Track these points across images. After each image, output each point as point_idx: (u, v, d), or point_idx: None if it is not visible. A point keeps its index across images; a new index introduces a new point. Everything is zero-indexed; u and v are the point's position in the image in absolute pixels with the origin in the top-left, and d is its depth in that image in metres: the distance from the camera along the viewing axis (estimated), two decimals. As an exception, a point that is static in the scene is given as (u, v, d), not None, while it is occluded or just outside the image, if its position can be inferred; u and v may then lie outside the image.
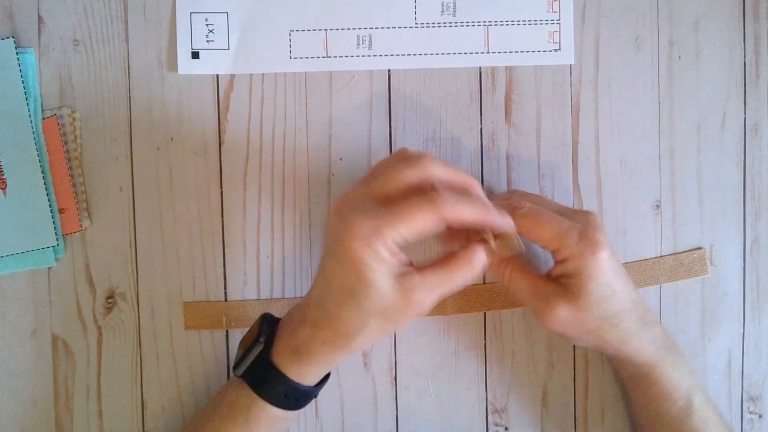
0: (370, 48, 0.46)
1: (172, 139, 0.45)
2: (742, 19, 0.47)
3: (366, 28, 0.46)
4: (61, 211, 0.45)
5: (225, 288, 0.46)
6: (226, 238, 0.46)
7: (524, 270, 0.41)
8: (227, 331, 0.46)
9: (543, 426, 0.47)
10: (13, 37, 0.44)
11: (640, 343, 0.40)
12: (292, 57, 0.45)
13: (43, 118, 0.45)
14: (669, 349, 0.42)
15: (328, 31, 0.45)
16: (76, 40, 0.45)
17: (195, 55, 0.45)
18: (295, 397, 0.39)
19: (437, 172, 0.36)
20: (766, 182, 0.48)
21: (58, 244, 0.45)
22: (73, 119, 0.45)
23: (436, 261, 0.37)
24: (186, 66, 0.45)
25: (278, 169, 0.46)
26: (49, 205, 0.44)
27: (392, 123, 0.46)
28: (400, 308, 0.35)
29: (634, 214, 0.47)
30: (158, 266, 0.45)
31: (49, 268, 0.45)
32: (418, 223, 0.34)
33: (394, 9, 0.46)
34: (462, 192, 0.36)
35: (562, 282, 0.39)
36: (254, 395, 0.38)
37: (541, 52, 0.46)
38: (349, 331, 0.36)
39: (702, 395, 0.42)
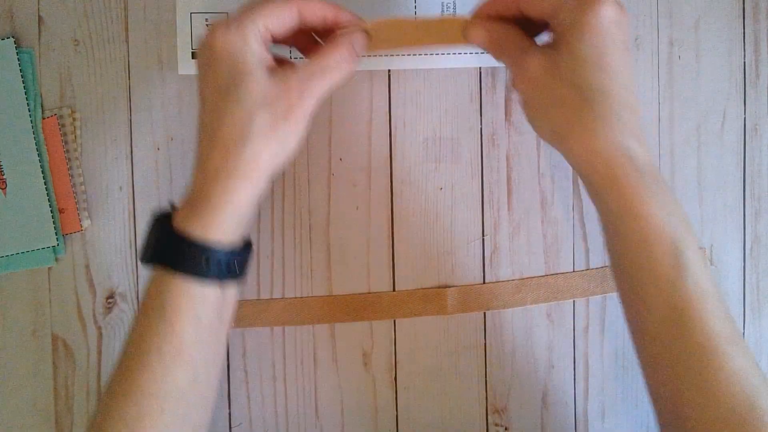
0: None
1: (172, 139, 0.45)
2: (742, 19, 0.47)
3: None
4: (61, 211, 0.45)
5: (225, 288, 0.46)
6: (226, 238, 0.46)
7: (508, 27, 0.37)
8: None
9: (543, 426, 0.47)
10: (13, 37, 0.44)
11: (610, 148, 0.33)
12: (292, 57, 0.45)
13: (44, 118, 0.45)
14: (655, 178, 0.34)
15: None
16: (76, 40, 0.45)
17: (195, 55, 0.45)
18: (205, 258, 0.34)
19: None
20: (766, 182, 0.48)
21: (58, 244, 0.45)
22: (73, 119, 0.45)
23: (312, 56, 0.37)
24: (186, 66, 0.45)
25: (278, 169, 0.46)
26: (49, 205, 0.44)
27: (392, 123, 0.46)
28: (280, 97, 0.34)
29: (634, 214, 0.47)
30: (158, 266, 0.46)
31: (49, 268, 0.45)
32: (277, 13, 0.35)
33: (394, 9, 0.46)
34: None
35: (552, 42, 0.36)
36: (164, 274, 0.34)
37: None
38: (237, 136, 0.33)
39: (696, 249, 0.34)
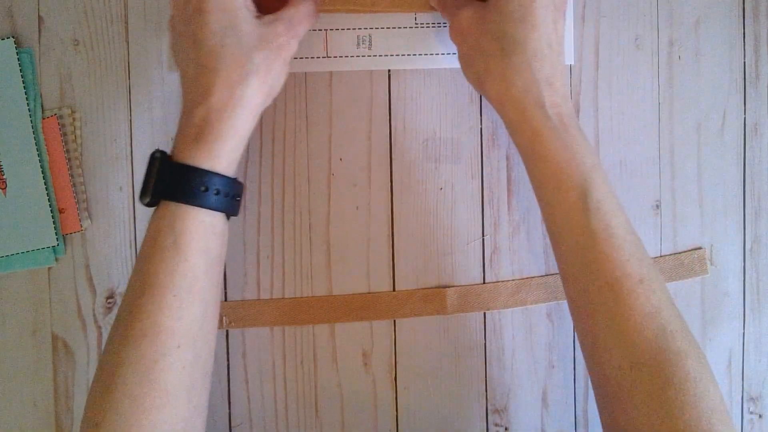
0: (370, 48, 0.46)
1: (172, 139, 0.45)
2: (742, 19, 0.47)
3: (366, 29, 0.46)
4: (61, 211, 0.45)
5: (225, 288, 0.46)
6: (226, 238, 0.46)
7: None
8: (227, 331, 0.46)
9: (543, 426, 0.47)
10: (13, 37, 0.44)
11: (520, 94, 0.36)
12: (294, 57, 0.45)
13: (44, 118, 0.45)
14: (564, 123, 0.36)
15: (329, 31, 0.45)
16: (76, 40, 0.45)
17: None
18: (216, 190, 0.36)
19: None
20: (766, 182, 0.48)
21: (58, 244, 0.45)
22: (73, 119, 0.45)
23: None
24: None
25: (278, 169, 0.46)
26: (49, 205, 0.44)
27: (392, 123, 0.46)
28: (271, 40, 0.37)
29: (634, 214, 0.47)
30: (158, 266, 0.45)
31: (49, 268, 0.45)
32: None
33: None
34: None
35: None
36: (174, 207, 0.35)
37: None
38: (239, 73, 0.36)
39: (605, 190, 0.36)
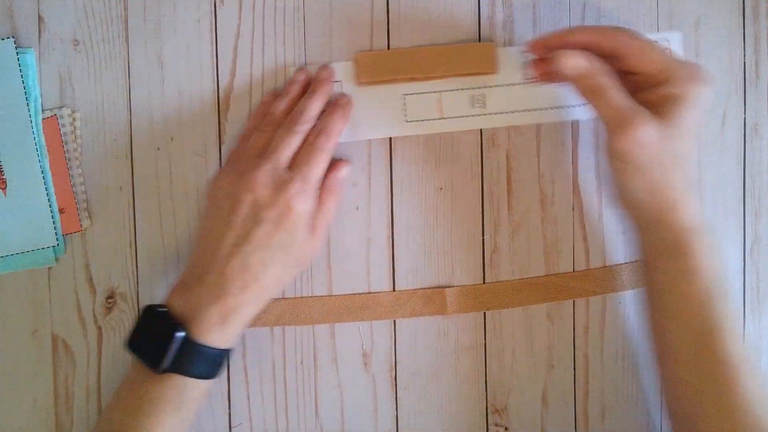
0: (484, 107, 0.46)
1: (172, 139, 0.45)
2: (742, 19, 0.47)
3: (480, 88, 0.46)
4: (61, 211, 0.45)
5: (225, 288, 0.46)
6: (226, 238, 0.46)
7: (614, 83, 0.39)
8: (227, 331, 0.46)
9: (543, 426, 0.47)
10: (13, 37, 0.44)
11: (690, 202, 0.39)
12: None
13: (44, 118, 0.45)
14: (706, 225, 0.40)
15: (443, 93, 0.46)
16: (76, 40, 0.45)
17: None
18: (221, 363, 0.40)
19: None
20: (766, 182, 0.48)
21: (58, 244, 0.45)
22: (73, 119, 0.45)
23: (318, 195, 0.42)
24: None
25: (278, 169, 0.46)
26: (49, 205, 0.44)
27: (392, 123, 0.46)
28: (308, 255, 0.43)
29: (634, 214, 0.47)
30: (158, 266, 0.45)
31: (49, 268, 0.45)
32: (327, 161, 0.42)
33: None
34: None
35: (654, 105, 0.38)
36: (184, 379, 0.38)
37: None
38: (275, 285, 0.41)
39: (725, 277, 0.40)
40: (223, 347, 0.40)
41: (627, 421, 0.47)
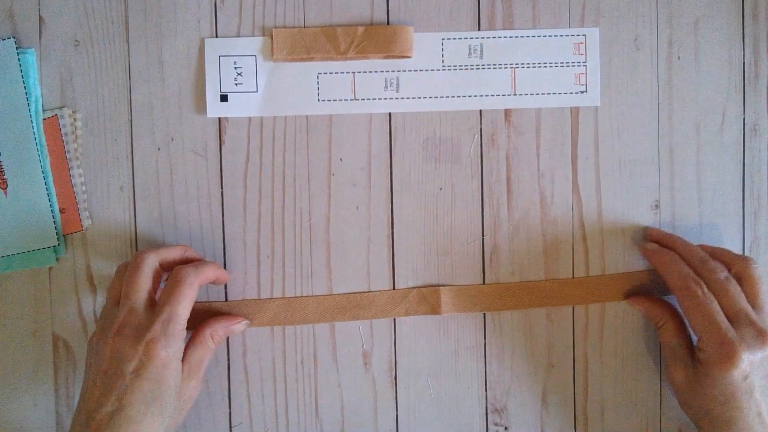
0: (397, 90, 0.46)
1: (172, 139, 0.45)
2: (741, 19, 0.47)
3: (394, 71, 0.46)
4: (61, 210, 0.45)
5: (225, 288, 0.46)
6: (226, 238, 0.46)
7: (678, 329, 0.44)
8: (227, 330, 0.46)
9: (543, 426, 0.47)
10: (14, 37, 0.44)
11: None
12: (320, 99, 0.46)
13: (44, 118, 0.45)
14: None
15: (356, 74, 0.46)
16: (76, 40, 0.45)
17: (224, 98, 0.45)
18: None
19: (153, 257, 0.41)
20: (766, 182, 0.48)
21: (58, 244, 0.45)
22: (74, 119, 0.45)
23: (188, 345, 0.42)
24: (215, 109, 0.45)
25: (278, 169, 0.46)
26: (50, 205, 0.44)
27: (392, 123, 0.46)
28: (193, 393, 0.41)
29: (633, 214, 0.47)
30: (158, 266, 0.46)
31: (50, 268, 0.45)
32: (191, 300, 0.40)
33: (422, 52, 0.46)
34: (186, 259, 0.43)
35: (699, 354, 0.41)
36: None
37: (569, 94, 0.46)
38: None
39: None
40: None
41: (627, 421, 0.47)
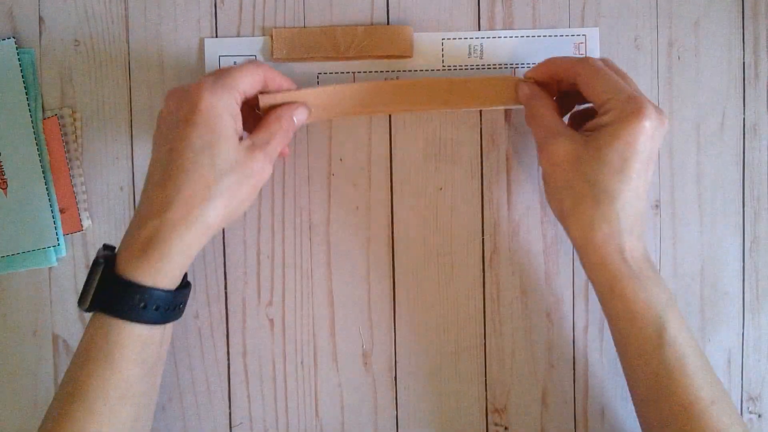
0: None
1: (172, 139, 0.45)
2: (741, 19, 0.47)
3: (394, 71, 0.46)
4: (62, 210, 0.45)
5: (225, 288, 0.46)
6: (226, 238, 0.46)
7: (549, 108, 0.40)
8: (227, 331, 0.46)
9: (543, 426, 0.47)
10: (14, 37, 0.44)
11: (603, 240, 0.37)
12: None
13: (44, 119, 0.45)
14: (639, 266, 0.38)
15: (356, 74, 0.46)
16: (76, 40, 0.45)
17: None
18: (156, 306, 0.35)
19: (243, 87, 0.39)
20: (766, 182, 0.48)
21: (59, 244, 0.45)
22: (74, 119, 0.45)
23: (257, 127, 0.40)
24: None
25: (278, 169, 0.46)
26: (50, 205, 0.44)
27: (392, 123, 0.46)
28: (246, 165, 0.37)
29: (633, 214, 0.47)
30: (158, 266, 0.46)
31: (50, 268, 0.45)
32: (251, 80, 0.38)
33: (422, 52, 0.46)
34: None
35: (590, 132, 0.38)
36: (110, 319, 0.35)
37: None
38: (202, 195, 0.35)
39: (678, 325, 0.38)
40: (149, 284, 0.35)
41: (627, 421, 0.47)
